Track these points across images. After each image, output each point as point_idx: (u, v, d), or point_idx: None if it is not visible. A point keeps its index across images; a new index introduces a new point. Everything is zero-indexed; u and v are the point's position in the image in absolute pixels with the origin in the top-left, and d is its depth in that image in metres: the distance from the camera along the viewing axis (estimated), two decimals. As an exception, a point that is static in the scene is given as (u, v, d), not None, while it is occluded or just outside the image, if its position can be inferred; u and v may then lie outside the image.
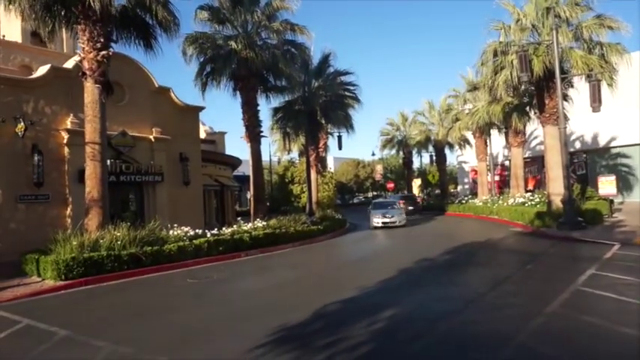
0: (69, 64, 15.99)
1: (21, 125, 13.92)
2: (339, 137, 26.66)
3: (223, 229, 15.04)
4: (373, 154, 44.88)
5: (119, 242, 11.03)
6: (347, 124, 25.59)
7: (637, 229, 14.45)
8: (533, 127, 26.54)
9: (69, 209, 14.98)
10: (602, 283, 7.68)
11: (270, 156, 42.27)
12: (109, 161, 13.93)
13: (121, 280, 10.38)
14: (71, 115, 15.18)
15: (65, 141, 15.15)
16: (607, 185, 19.83)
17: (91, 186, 11.82)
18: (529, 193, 24.00)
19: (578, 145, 31.14)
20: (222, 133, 28.91)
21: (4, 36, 23.02)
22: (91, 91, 12.02)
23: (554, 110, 16.76)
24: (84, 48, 12.13)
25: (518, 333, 5.21)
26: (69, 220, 14.69)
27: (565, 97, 17.49)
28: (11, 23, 21.98)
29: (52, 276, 9.89)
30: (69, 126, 15.15)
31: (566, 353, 4.69)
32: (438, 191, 42.43)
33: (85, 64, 12.07)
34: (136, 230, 11.71)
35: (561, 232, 14.88)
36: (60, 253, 10.17)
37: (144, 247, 11.41)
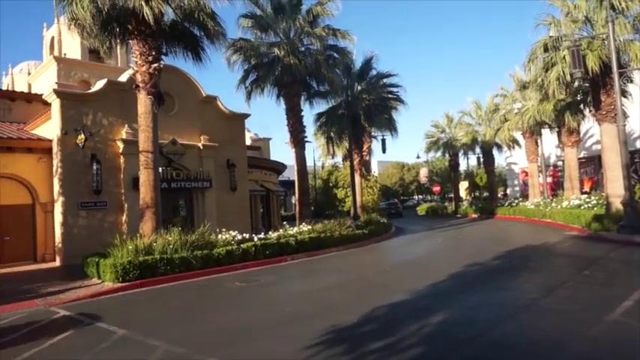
0: (123, 78, 16.90)
1: (81, 136, 14.87)
2: (383, 140, 26.52)
3: (269, 233, 15.29)
4: (418, 157, 44.10)
5: (171, 246, 11.47)
6: (390, 127, 25.41)
7: None
8: (588, 125, 25.18)
9: (125, 215, 15.79)
10: (669, 289, 7.16)
11: (314, 161, 42.65)
12: (160, 169, 14.53)
13: (173, 282, 10.79)
14: (126, 125, 16.03)
15: (121, 150, 16.00)
16: (673, 185, 18.44)
17: (145, 192, 12.39)
18: (585, 195, 22.75)
19: (638, 143, 29.24)
20: (267, 139, 29.49)
21: (65, 54, 24.68)
22: (143, 102, 12.63)
23: (612, 107, 15.84)
24: (137, 62, 12.78)
25: (573, 341, 4.97)
26: (125, 225, 15.50)
27: (623, 93, 16.49)
28: (71, 42, 23.55)
29: (111, 278, 10.42)
30: (124, 136, 15.99)
31: (630, 363, 4.43)
32: (486, 194, 41.10)
33: (138, 77, 12.71)
34: (186, 235, 12.12)
35: (622, 236, 13.99)
36: (117, 257, 10.71)
37: (194, 251, 11.80)
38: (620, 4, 15.29)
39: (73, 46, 24.24)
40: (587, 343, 4.93)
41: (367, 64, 24.89)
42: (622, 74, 15.44)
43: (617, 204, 15.77)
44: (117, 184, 15.92)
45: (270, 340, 5.88)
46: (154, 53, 12.76)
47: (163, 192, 14.07)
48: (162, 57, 13.37)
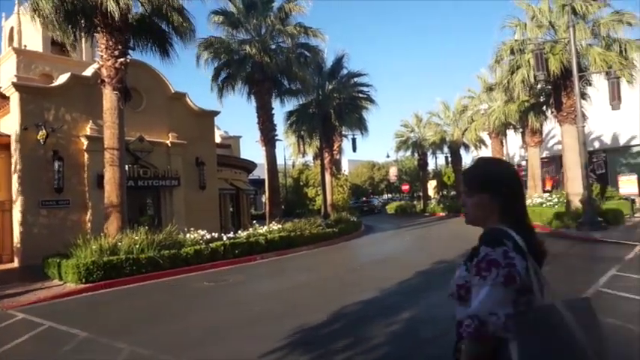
0: (88, 72, 16.38)
1: (42, 132, 14.31)
2: (354, 140, 26.69)
3: (239, 232, 15.17)
4: (388, 156, 44.69)
5: (137, 246, 11.21)
6: (361, 126, 25.63)
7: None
8: (551, 126, 26.13)
9: (89, 214, 15.31)
10: (623, 284, 7.51)
11: (284, 159, 42.49)
12: (127, 166, 14.18)
13: (140, 283, 10.54)
14: (90, 121, 15.53)
15: (85, 147, 15.50)
16: (628, 184, 19.40)
17: (110, 191, 12.05)
18: (547, 194, 23.63)
19: (597, 144, 30.53)
20: (238, 137, 29.19)
21: (25, 46, 23.65)
22: (109, 97, 12.27)
23: (572, 109, 16.49)
24: (102, 56, 12.40)
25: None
26: (89, 225, 15.02)
27: (583, 96, 17.19)
28: (32, 33, 22.59)
29: (73, 279, 10.09)
30: (88, 132, 15.49)
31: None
32: (453, 193, 42.05)
33: (104, 72, 12.34)
34: (153, 234, 11.89)
35: (581, 232, 14.60)
36: (80, 257, 10.38)
37: (161, 250, 11.57)
38: (581, 8, 15.93)
39: (34, 38, 23.25)
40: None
41: (338, 63, 25.03)
42: (582, 77, 16.08)
43: (576, 202, 16.43)
44: (80, 182, 15.41)
45: (238, 340, 5.83)
46: (120, 47, 12.41)
47: (130, 190, 13.72)
48: (130, 52, 13.04)
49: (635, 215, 18.88)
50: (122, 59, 12.40)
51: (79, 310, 8.28)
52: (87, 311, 8.27)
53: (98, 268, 10.18)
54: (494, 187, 1.59)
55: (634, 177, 19.65)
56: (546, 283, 1.47)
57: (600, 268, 9.02)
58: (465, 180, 1.68)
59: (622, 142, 29.56)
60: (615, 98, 15.05)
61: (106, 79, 12.28)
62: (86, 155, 15.52)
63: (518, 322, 1.38)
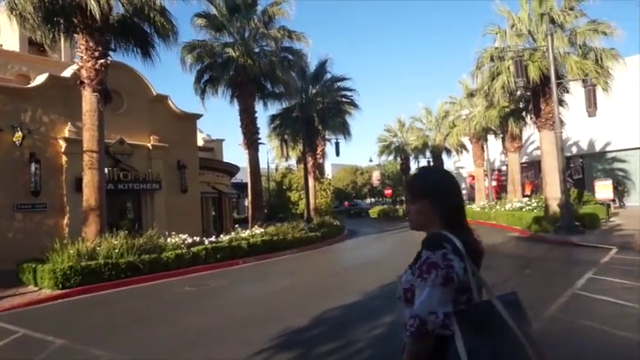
0: (67, 73, 16.04)
1: (19, 134, 13.95)
2: (337, 144, 26.77)
3: (221, 236, 15.03)
4: (371, 161, 44.98)
5: (117, 250, 10.99)
6: (344, 130, 25.74)
7: (634, 233, 14.50)
8: (530, 132, 26.66)
9: (66, 218, 14.96)
10: (599, 286, 7.69)
11: (268, 163, 42.33)
12: (106, 169, 13.93)
13: (119, 288, 10.34)
14: (69, 123, 15.21)
15: (63, 149, 15.17)
16: (603, 190, 19.91)
17: (89, 194, 11.81)
18: (526, 198, 24.05)
19: (574, 149, 31.30)
20: (220, 141, 28.96)
21: (1, 45, 23.09)
22: (89, 99, 12.05)
23: (550, 115, 16.87)
24: (82, 57, 12.17)
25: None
26: (66, 229, 14.68)
27: (561, 103, 17.60)
28: (9, 33, 22.06)
29: (49, 285, 9.84)
30: (67, 134, 15.17)
31: (565, 356, 4.70)
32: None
33: (83, 73, 12.11)
34: (133, 238, 11.68)
35: (559, 236, 14.91)
36: (57, 262, 10.13)
37: (142, 255, 11.38)
38: (559, 17, 16.33)
39: (11, 37, 22.72)
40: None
41: (322, 67, 25.12)
42: (559, 85, 16.47)
43: (554, 206, 16.78)
44: (58, 185, 15.06)
45: (219, 345, 5.76)
46: (100, 49, 12.20)
47: (109, 194, 13.48)
48: (110, 53, 12.83)
49: (611, 219, 19.36)
50: (102, 60, 12.19)
51: (55, 317, 8.07)
52: (63, 318, 8.06)
53: (75, 273, 9.95)
54: (433, 194, 1.70)
55: (609, 182, 20.19)
56: (483, 283, 1.59)
57: (577, 272, 9.21)
58: (408, 188, 1.78)
59: (598, 148, 30.35)
60: (591, 105, 15.45)
61: (86, 81, 12.05)
62: (64, 158, 15.18)
63: (460, 319, 1.48)
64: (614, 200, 22.89)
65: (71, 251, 10.43)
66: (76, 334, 6.64)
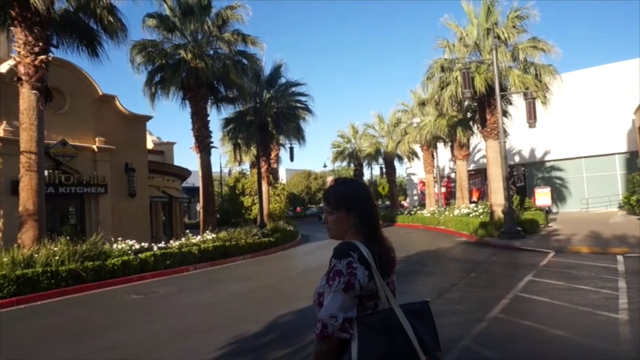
0: (2, 69, 15.07)
1: (-53, 132, 12.91)
2: (291, 149, 26.73)
3: (171, 242, 14.59)
4: (325, 166, 45.26)
5: (57, 257, 10.37)
6: (299, 135, 25.76)
7: (570, 237, 15.47)
8: (477, 140, 27.89)
9: (0, 223, 13.98)
10: (538, 288, 8.14)
11: (220, 167, 41.66)
12: (46, 172, 13.18)
13: (59, 297, 9.77)
14: (4, 122, 14.27)
15: (-3, 150, 14.19)
16: (542, 196, 21.09)
17: (26, 198, 11.09)
18: (473, 204, 25.05)
19: (517, 158, 33.03)
20: (171, 144, 28.19)
21: None
22: (27, 97, 11.34)
23: (495, 125, 17.71)
24: (20, 52, 11.45)
25: (463, 338, 5.40)
26: None
27: (505, 114, 18.54)
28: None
29: (-20, 295, 9.12)
30: (1, 134, 14.22)
31: (507, 355, 4.92)
32: (387, 202, 43.31)
33: (21, 69, 11.39)
34: (75, 244, 11.09)
35: (503, 241, 15.64)
36: (-11, 271, 9.42)
37: (84, 262, 10.82)
38: (504, 33, 17.22)
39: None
40: (473, 338, 5.39)
41: (276, 71, 25.07)
42: (503, 97, 17.35)
43: (499, 212, 17.60)
44: (-9, 188, 14.05)
45: (168, 355, 5.55)
46: (41, 44, 11.52)
47: (50, 197, 12.75)
48: (53, 49, 12.15)
49: (549, 225, 20.55)
50: (43, 56, 11.52)
51: (-14, 330, 7.48)
52: (-5, 330, 7.49)
53: (9, 282, 9.29)
54: (349, 204, 1.79)
55: (547, 190, 21.39)
56: (387, 291, 1.68)
57: (519, 274, 9.71)
58: (326, 200, 1.87)
59: (538, 156, 32.20)
60: (532, 117, 16.37)
61: (24, 77, 11.34)
62: (-1, 159, 14.21)
63: (359, 323, 1.60)
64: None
65: (5, 259, 9.73)
66: (7, 348, 6.18)
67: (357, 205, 1.79)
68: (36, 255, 10.24)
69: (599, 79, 29.08)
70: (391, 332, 1.59)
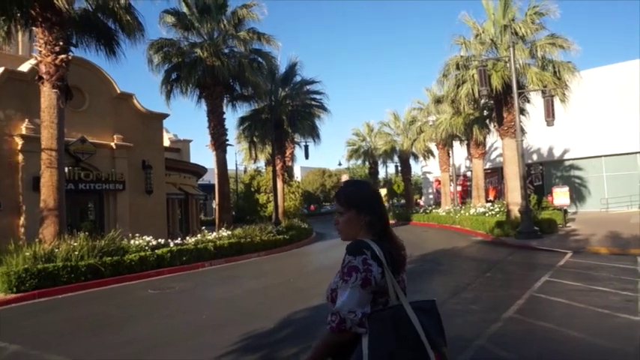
0: (24, 68, 15.42)
1: (-29, 130, 13.27)
2: (306, 147, 26.73)
3: (187, 238, 14.76)
4: (340, 164, 45.21)
5: (76, 252, 10.60)
6: (313, 133, 25.76)
7: (588, 238, 15.19)
8: (494, 139, 27.53)
9: (22, 218, 14.35)
10: (555, 289, 8.02)
11: (236, 165, 41.94)
12: (66, 169, 13.45)
13: (79, 291, 9.99)
14: (26, 120, 14.61)
15: (20, 147, 14.56)
16: (561, 196, 20.73)
17: (47, 194, 11.35)
18: (489, 203, 24.75)
19: (535, 157, 32.50)
20: (187, 141, 28.50)
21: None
22: (48, 95, 11.60)
23: (512, 124, 17.46)
24: (41, 51, 11.70)
25: (478, 337, 5.37)
26: (22, 230, 14.08)
27: (522, 112, 18.26)
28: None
29: (3, 289, 9.39)
30: (24, 132, 14.57)
31: (522, 356, 4.87)
32: (403, 201, 43.10)
33: (42, 68, 11.64)
34: (94, 240, 11.31)
35: (519, 240, 15.43)
36: (11, 265, 9.66)
37: (103, 257, 11.03)
38: (521, 29, 16.94)
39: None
40: (488, 338, 5.35)
41: (291, 69, 25.10)
42: (521, 94, 17.08)
43: (515, 211, 17.37)
44: (14, 184, 14.41)
45: (183, 349, 5.65)
46: (61, 43, 11.76)
47: (70, 194, 13.01)
48: (72, 48, 12.40)
49: (567, 225, 20.21)
50: (63, 56, 11.76)
51: (9, 322, 7.69)
52: (18, 323, 7.70)
53: (31, 276, 9.54)
54: (359, 204, 1.85)
55: (566, 189, 21.03)
56: (397, 288, 1.72)
57: (535, 275, 9.58)
58: (337, 201, 1.93)
59: (557, 155, 31.64)
60: (550, 115, 16.10)
61: (45, 76, 11.59)
62: (21, 156, 14.56)
63: (373, 319, 1.64)
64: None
65: (27, 253, 9.99)
66: (30, 339, 6.36)
67: (367, 204, 1.85)
68: (56, 250, 10.48)
69: (620, 76, 28.42)
70: (401, 328, 1.64)
